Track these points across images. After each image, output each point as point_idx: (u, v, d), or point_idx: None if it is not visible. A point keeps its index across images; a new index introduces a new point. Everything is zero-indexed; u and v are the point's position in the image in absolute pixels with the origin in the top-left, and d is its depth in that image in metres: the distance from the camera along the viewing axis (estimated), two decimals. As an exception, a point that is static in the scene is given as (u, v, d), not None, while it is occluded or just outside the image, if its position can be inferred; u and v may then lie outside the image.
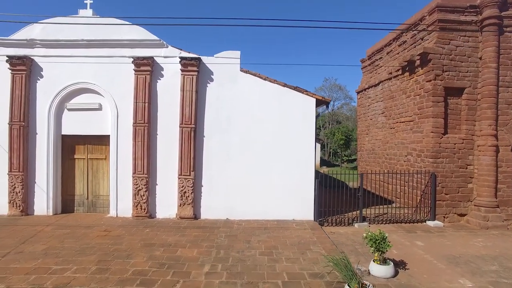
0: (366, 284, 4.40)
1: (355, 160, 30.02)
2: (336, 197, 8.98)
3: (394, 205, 10.00)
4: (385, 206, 9.72)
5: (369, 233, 5.45)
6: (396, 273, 5.28)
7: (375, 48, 12.04)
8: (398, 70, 9.90)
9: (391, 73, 10.41)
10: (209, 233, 7.10)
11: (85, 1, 8.43)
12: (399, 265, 5.62)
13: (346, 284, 4.43)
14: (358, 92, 13.53)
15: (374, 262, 5.31)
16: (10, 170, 8.15)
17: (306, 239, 6.86)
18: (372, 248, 5.36)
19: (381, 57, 11.65)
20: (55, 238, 6.54)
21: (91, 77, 8.28)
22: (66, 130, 8.48)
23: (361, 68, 13.50)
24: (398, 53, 10.37)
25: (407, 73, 9.50)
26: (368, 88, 12.42)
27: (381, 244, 5.30)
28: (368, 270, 5.30)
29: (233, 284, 4.69)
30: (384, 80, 10.96)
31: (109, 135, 8.38)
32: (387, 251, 5.33)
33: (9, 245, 6.09)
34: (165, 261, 5.44)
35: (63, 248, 6.00)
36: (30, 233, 6.87)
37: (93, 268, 5.11)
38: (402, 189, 9.60)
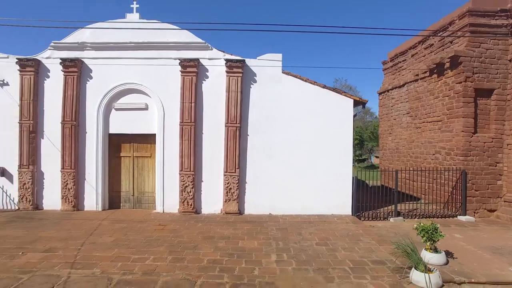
0: (430, 268, 4.81)
1: (365, 159, 30.57)
2: (362, 194, 9.34)
3: (421, 201, 10.42)
4: (412, 202, 10.13)
5: (421, 224, 5.87)
6: (447, 261, 5.68)
7: (398, 50, 12.48)
8: (425, 72, 10.34)
9: (417, 75, 10.84)
10: (260, 226, 7.49)
11: (131, 6, 8.80)
12: (446, 254, 6.03)
13: (413, 268, 4.83)
14: (380, 93, 13.97)
15: (426, 250, 5.72)
16: (63, 167, 8.50)
17: (352, 231, 7.27)
18: (424, 238, 5.77)
19: (405, 59, 12.09)
20: (117, 231, 6.90)
21: (138, 78, 8.65)
22: (113, 129, 8.84)
23: (383, 70, 13.94)
24: (424, 56, 10.81)
25: (435, 75, 9.93)
26: (391, 89, 12.86)
27: (433, 234, 5.71)
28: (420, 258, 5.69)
29: (305, 270, 5.09)
30: (410, 82, 11.39)
31: (154, 134, 8.74)
32: (438, 240, 5.73)
33: (79, 237, 6.45)
34: (232, 252, 5.82)
35: (130, 240, 6.36)
36: (91, 226, 7.23)
37: (169, 257, 5.48)
38: (429, 186, 10.01)
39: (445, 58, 9.10)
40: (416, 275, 4.70)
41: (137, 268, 5.00)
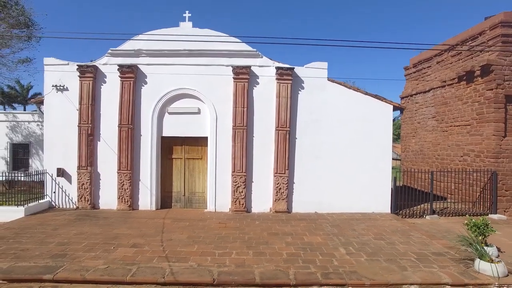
0: (494, 260, 5.38)
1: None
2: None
3: (448, 200, 11.04)
4: (441, 201, 10.74)
5: (472, 220, 6.42)
6: (498, 255, 6.25)
7: (422, 57, 13.13)
8: (453, 78, 10.98)
9: (445, 81, 11.48)
10: (313, 223, 8.01)
11: (183, 15, 9.29)
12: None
13: (478, 258, 5.40)
14: (402, 98, 14.61)
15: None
16: (119, 169, 8.93)
17: (399, 227, 7.83)
18: (476, 233, 6.33)
19: (429, 66, 12.73)
20: (185, 229, 7.35)
21: (191, 84, 9.12)
22: (166, 132, 9.30)
23: (405, 75, 14.59)
24: (451, 63, 11.46)
25: (464, 82, 10.57)
26: (415, 94, 13.50)
27: (485, 229, 6.27)
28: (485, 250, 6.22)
29: (377, 261, 5.63)
30: (436, 87, 12.04)
31: (206, 137, 9.22)
32: (489, 235, 6.30)
33: (152, 234, 6.90)
34: (302, 246, 6.33)
35: (202, 237, 6.82)
36: (157, 225, 7.67)
37: (249, 252, 5.95)
38: (456, 186, 10.62)
39: (476, 66, 9.74)
40: (483, 265, 5.27)
41: (228, 261, 5.48)
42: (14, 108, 35.83)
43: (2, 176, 9.59)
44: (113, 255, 5.61)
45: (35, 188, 9.26)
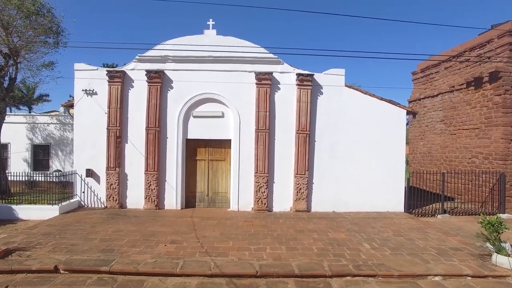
0: (511, 254, 5.84)
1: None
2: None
3: (456, 200, 11.53)
4: (451, 201, 11.23)
5: (486, 219, 6.90)
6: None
7: (430, 63, 13.65)
8: (462, 84, 11.49)
9: (453, 86, 12.00)
10: (334, 222, 8.45)
11: (207, 23, 9.74)
12: (507, 244, 7.06)
13: (495, 252, 5.86)
14: (410, 101, 15.12)
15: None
16: (147, 170, 9.34)
17: (415, 225, 8.29)
18: (490, 230, 6.79)
19: (437, 71, 13.26)
20: (215, 227, 7.76)
21: (215, 88, 9.55)
22: (191, 134, 9.73)
23: (412, 80, 15.12)
24: (459, 69, 11.98)
25: (472, 87, 11.09)
26: (423, 98, 14.01)
27: (499, 227, 6.74)
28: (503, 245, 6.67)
29: (400, 254, 6.09)
30: (445, 92, 12.55)
31: (229, 140, 9.65)
32: (503, 232, 6.76)
33: (186, 232, 7.30)
34: (329, 241, 6.77)
35: (234, 234, 7.23)
36: (187, 223, 8.08)
37: (282, 247, 6.38)
38: (465, 187, 11.12)
39: (485, 73, 10.25)
40: (500, 259, 5.73)
41: (265, 255, 5.91)
42: (19, 109, 36.22)
43: (27, 176, 9.97)
44: (157, 250, 6.02)
45: (53, 189, 9.62)
